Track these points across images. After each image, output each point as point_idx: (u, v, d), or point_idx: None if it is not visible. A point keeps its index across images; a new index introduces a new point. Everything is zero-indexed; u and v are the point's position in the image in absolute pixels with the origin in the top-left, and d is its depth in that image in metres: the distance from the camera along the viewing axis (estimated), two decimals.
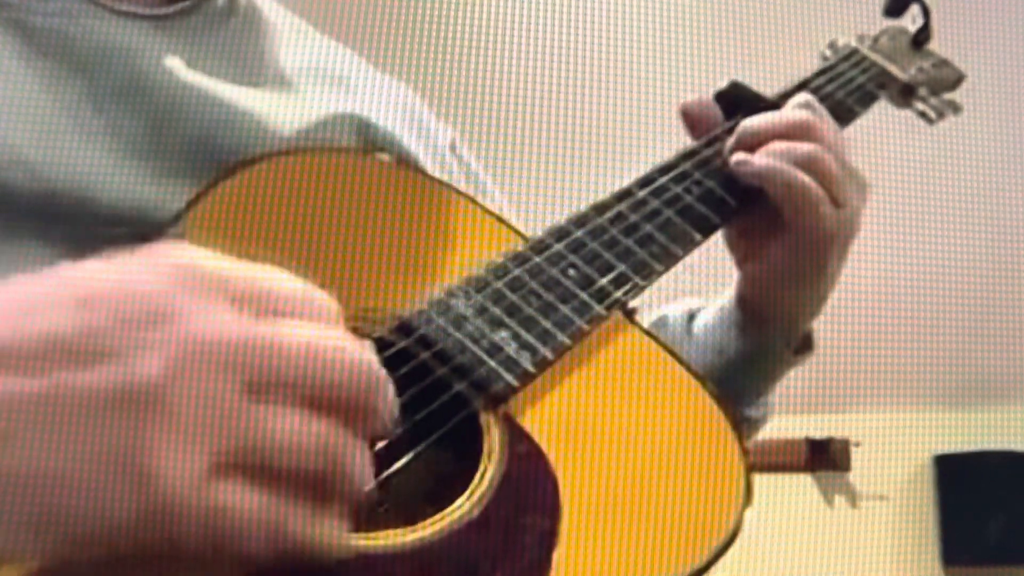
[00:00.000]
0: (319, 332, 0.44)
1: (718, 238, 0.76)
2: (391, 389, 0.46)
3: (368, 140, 0.74)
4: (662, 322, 0.83)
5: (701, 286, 0.83)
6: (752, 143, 0.73)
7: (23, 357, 0.41)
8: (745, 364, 0.77)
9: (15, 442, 0.40)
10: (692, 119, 0.78)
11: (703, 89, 0.80)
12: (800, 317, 0.77)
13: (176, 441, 0.40)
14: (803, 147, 0.72)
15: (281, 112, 0.71)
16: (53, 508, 0.39)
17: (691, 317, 0.82)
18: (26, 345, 0.41)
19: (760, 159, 0.72)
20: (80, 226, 0.62)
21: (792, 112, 0.76)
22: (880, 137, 0.89)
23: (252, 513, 0.41)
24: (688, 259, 0.70)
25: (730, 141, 0.74)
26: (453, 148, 0.83)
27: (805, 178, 0.71)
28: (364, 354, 0.45)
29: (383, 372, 0.45)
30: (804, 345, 0.79)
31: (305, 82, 0.75)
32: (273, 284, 0.45)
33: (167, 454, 0.40)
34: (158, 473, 0.40)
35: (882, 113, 0.89)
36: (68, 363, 0.41)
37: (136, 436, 0.40)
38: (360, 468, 0.44)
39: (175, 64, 0.69)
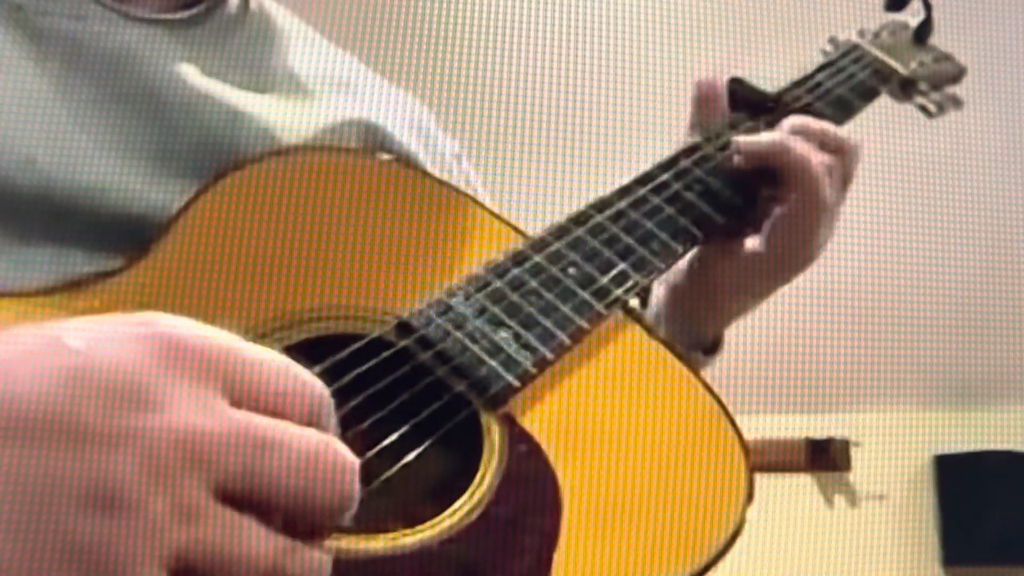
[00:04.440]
0: (310, 443, 0.42)
1: None
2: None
3: (374, 146, 0.74)
4: None
5: None
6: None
7: None
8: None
9: None
10: (702, 98, 0.78)
11: None
12: (731, 321, 0.78)
13: (142, 545, 0.38)
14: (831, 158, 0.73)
15: (290, 118, 0.71)
16: None
17: None
18: None
19: (802, 151, 0.72)
20: (89, 229, 0.62)
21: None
22: (884, 136, 0.89)
23: None
24: None
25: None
26: (458, 161, 0.83)
27: (830, 188, 0.72)
28: (354, 466, 0.43)
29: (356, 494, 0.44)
30: (714, 346, 0.79)
31: (314, 88, 0.75)
32: (267, 373, 0.43)
33: (133, 558, 0.38)
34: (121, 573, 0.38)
35: (885, 113, 0.89)
36: (35, 442, 0.39)
37: (103, 537, 0.38)
38: None
39: (186, 69, 0.69)
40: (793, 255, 0.74)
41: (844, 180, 0.73)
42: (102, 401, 0.39)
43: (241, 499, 0.41)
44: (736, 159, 0.73)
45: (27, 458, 0.38)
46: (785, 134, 0.73)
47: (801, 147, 0.72)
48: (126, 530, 0.38)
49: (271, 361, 0.43)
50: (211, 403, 0.41)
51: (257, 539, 0.41)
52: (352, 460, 0.43)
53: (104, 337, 0.41)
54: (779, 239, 0.73)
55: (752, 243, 0.74)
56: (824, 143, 0.73)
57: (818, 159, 0.72)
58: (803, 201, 0.72)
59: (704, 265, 0.75)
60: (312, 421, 0.43)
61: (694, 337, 0.78)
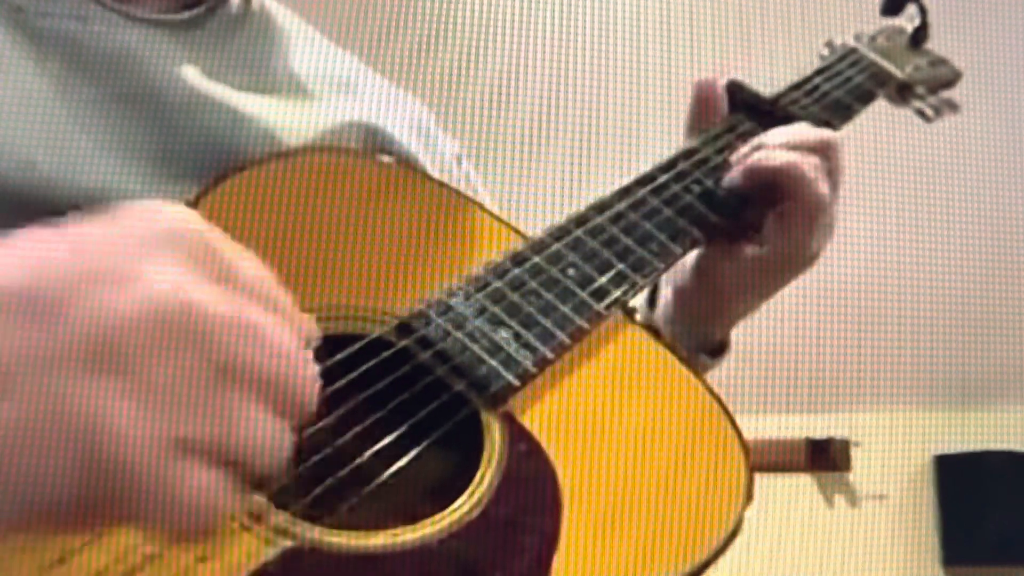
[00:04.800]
0: (292, 336, 0.44)
1: None
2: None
3: (375, 147, 0.74)
4: None
5: None
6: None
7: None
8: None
9: None
10: (700, 99, 0.78)
11: None
12: (736, 322, 0.79)
13: (137, 406, 0.39)
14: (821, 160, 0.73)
15: (291, 120, 0.71)
16: None
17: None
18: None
19: (792, 156, 0.73)
20: None
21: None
22: (882, 137, 0.89)
23: (201, 496, 0.40)
24: None
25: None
26: (458, 162, 0.83)
27: (826, 188, 0.72)
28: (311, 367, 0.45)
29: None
30: (720, 349, 0.79)
31: (316, 89, 0.75)
32: (252, 270, 0.45)
33: (126, 417, 0.39)
34: (114, 434, 0.39)
35: (884, 114, 0.89)
36: (29, 312, 0.40)
37: (95, 399, 0.39)
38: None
39: (187, 70, 0.69)
40: (793, 256, 0.74)
41: (832, 175, 0.74)
42: (104, 274, 0.41)
43: (238, 384, 0.42)
44: (733, 178, 0.73)
45: (20, 325, 0.40)
46: (774, 148, 0.73)
47: (791, 156, 0.72)
48: (120, 391, 0.39)
49: (252, 261, 0.45)
50: (190, 280, 0.42)
51: (260, 419, 0.42)
52: (312, 369, 0.45)
53: (101, 220, 0.44)
54: (779, 241, 0.73)
55: (753, 244, 0.74)
56: (808, 146, 0.74)
57: (809, 162, 0.72)
58: (800, 205, 0.72)
59: (707, 267, 0.75)
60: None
61: (700, 339, 0.78)
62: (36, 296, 0.40)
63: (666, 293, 0.81)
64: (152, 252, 0.42)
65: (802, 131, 0.75)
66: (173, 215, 0.45)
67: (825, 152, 0.73)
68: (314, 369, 0.44)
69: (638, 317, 0.75)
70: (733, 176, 0.73)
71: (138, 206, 0.45)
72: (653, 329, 0.66)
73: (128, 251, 0.42)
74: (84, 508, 0.39)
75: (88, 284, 0.41)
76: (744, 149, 0.74)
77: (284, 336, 0.44)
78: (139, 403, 0.40)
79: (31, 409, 0.39)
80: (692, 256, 0.75)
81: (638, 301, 0.68)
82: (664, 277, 0.77)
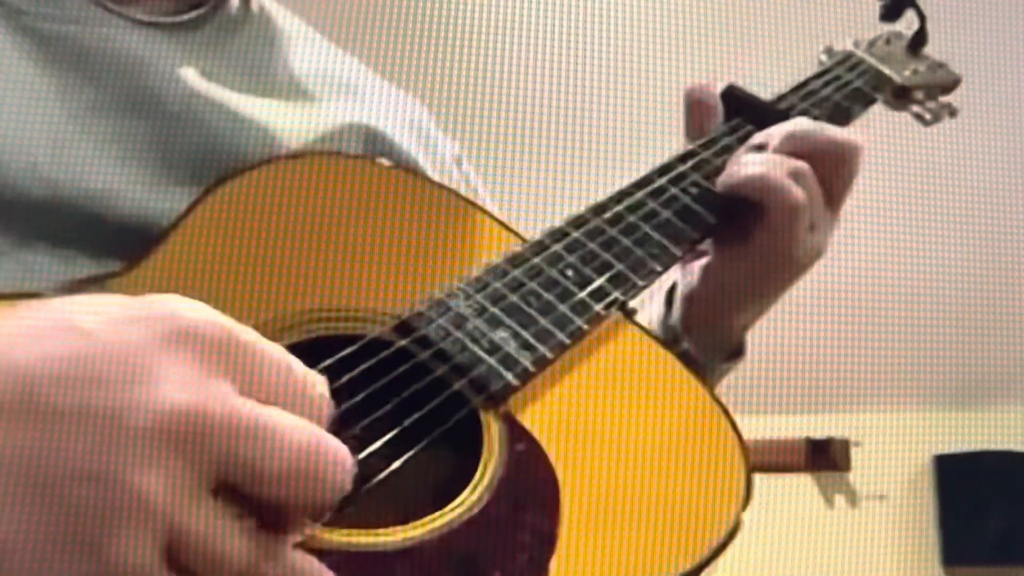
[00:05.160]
0: (305, 435, 0.42)
1: None
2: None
3: (375, 149, 0.74)
4: None
5: None
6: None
7: None
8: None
9: None
10: (694, 106, 0.78)
11: None
12: (744, 326, 0.78)
13: (134, 518, 0.39)
14: (797, 164, 0.72)
15: (290, 123, 0.71)
16: None
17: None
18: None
19: (757, 167, 0.72)
20: (94, 234, 0.62)
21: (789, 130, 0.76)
22: (880, 139, 0.89)
23: None
24: None
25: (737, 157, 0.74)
26: (457, 163, 0.83)
27: (796, 189, 0.71)
28: (343, 469, 0.43)
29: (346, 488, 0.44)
30: (736, 352, 0.79)
31: (315, 91, 0.75)
32: (268, 362, 0.43)
33: (125, 530, 0.39)
34: (115, 549, 0.39)
35: (884, 116, 0.90)
36: (37, 417, 0.39)
37: (94, 508, 0.39)
38: None
39: (187, 73, 0.69)
40: (780, 259, 0.73)
41: (806, 177, 0.72)
42: (105, 380, 0.40)
43: (232, 485, 0.41)
44: (719, 184, 0.73)
45: (26, 432, 0.39)
46: (745, 160, 0.72)
47: (754, 169, 0.71)
48: (116, 501, 0.39)
49: (274, 352, 0.44)
50: (212, 385, 0.41)
51: (241, 535, 0.41)
52: (345, 454, 0.43)
53: (113, 318, 0.42)
54: (763, 245, 0.72)
55: (748, 247, 0.74)
56: (779, 149, 0.73)
57: (775, 171, 0.71)
58: (773, 214, 0.71)
59: (708, 269, 0.75)
60: (310, 416, 0.43)
61: (716, 343, 0.77)
62: (30, 398, 0.39)
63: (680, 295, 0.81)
64: (165, 356, 0.41)
65: (774, 133, 0.74)
66: (189, 313, 0.43)
67: (797, 151, 0.72)
68: (341, 452, 0.43)
69: (651, 319, 0.75)
70: (718, 183, 0.73)
71: (149, 300, 0.44)
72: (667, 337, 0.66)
73: (139, 356, 0.41)
74: None
75: (94, 392, 0.40)
76: (740, 152, 0.74)
77: (302, 433, 0.42)
78: (134, 513, 0.39)
79: (24, 520, 0.39)
80: (702, 260, 0.75)
81: (644, 305, 0.68)
82: (680, 279, 0.77)
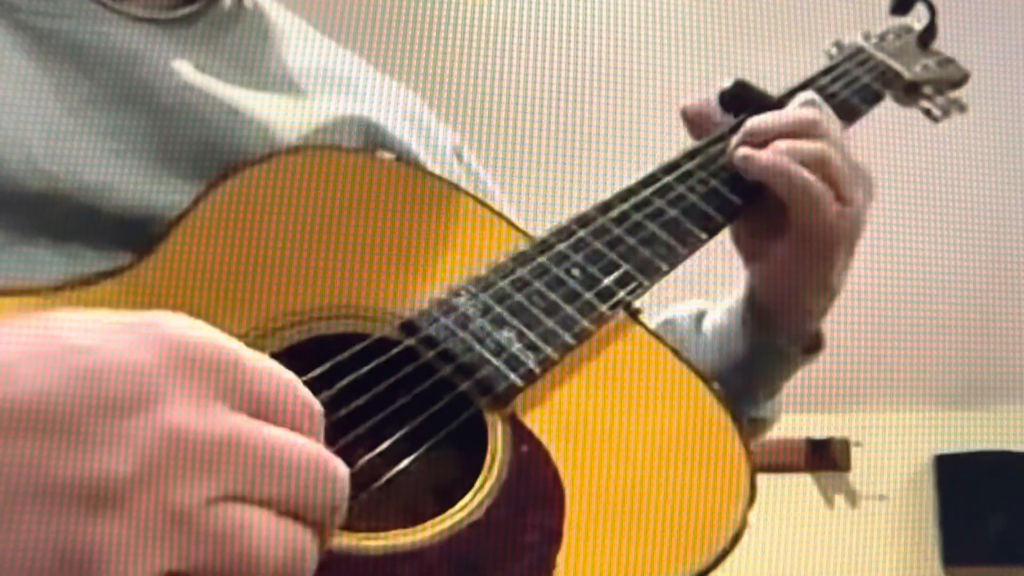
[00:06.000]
0: (303, 451, 0.42)
1: (726, 240, 0.76)
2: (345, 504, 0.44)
3: (372, 143, 0.74)
4: (670, 323, 0.83)
5: (711, 288, 0.83)
6: (757, 142, 0.73)
7: None
8: (754, 364, 0.77)
9: None
10: (693, 120, 0.78)
11: (707, 88, 0.80)
12: (809, 315, 0.77)
13: (128, 545, 0.38)
14: (808, 145, 0.72)
15: (286, 116, 0.71)
16: None
17: (700, 317, 0.82)
18: None
19: (764, 154, 0.72)
20: (88, 228, 0.62)
21: (797, 110, 0.76)
22: (881, 136, 0.89)
23: None
24: (699, 262, 0.70)
25: (735, 139, 0.74)
26: (458, 153, 0.83)
27: (809, 176, 0.71)
28: (344, 481, 0.43)
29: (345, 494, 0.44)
30: (814, 344, 0.78)
31: (310, 85, 0.75)
32: (267, 382, 0.43)
33: (122, 561, 0.38)
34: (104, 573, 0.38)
35: (886, 112, 0.89)
36: (35, 440, 0.39)
37: (91, 536, 0.38)
38: None
39: (182, 68, 0.69)
40: (820, 245, 0.72)
41: (848, 184, 0.72)
42: (104, 403, 0.39)
43: (235, 507, 0.40)
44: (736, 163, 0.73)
45: (23, 456, 0.38)
46: (781, 158, 0.72)
47: (795, 172, 0.71)
48: (116, 529, 0.38)
49: (272, 371, 0.43)
50: (210, 407, 0.41)
51: (250, 553, 0.40)
52: (343, 471, 0.43)
53: (109, 337, 0.41)
54: (801, 237, 0.72)
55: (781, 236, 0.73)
56: (799, 132, 0.73)
57: (814, 180, 0.71)
58: (803, 221, 0.71)
59: (766, 262, 0.75)
60: (306, 433, 0.43)
61: (793, 336, 0.77)
62: (30, 422, 0.39)
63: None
64: (171, 378, 0.41)
65: (777, 117, 0.74)
66: (191, 333, 0.43)
67: (803, 134, 0.72)
68: (340, 469, 0.43)
69: (644, 319, 0.75)
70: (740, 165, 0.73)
71: (148, 319, 0.43)
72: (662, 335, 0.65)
73: (145, 378, 0.40)
74: None
75: (93, 415, 0.39)
76: (733, 141, 0.74)
77: (302, 450, 0.42)
78: (133, 542, 0.39)
79: (15, 542, 0.38)
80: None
81: (644, 302, 0.68)
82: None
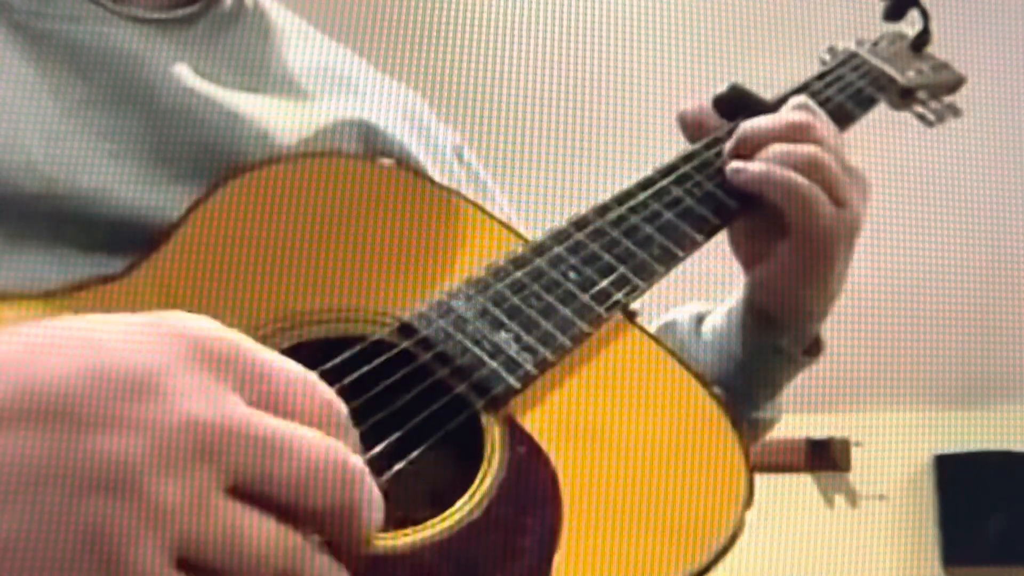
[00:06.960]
0: (317, 448, 0.43)
1: (725, 242, 0.76)
2: (379, 505, 0.45)
3: (372, 146, 0.74)
4: (670, 326, 0.83)
5: (710, 290, 0.83)
6: (750, 146, 0.73)
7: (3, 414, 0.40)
8: (755, 366, 0.77)
9: None
10: (690, 126, 0.78)
11: (703, 92, 0.80)
12: (808, 318, 0.77)
13: (147, 528, 0.39)
14: (801, 148, 0.72)
15: (285, 119, 0.71)
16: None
17: (699, 320, 0.82)
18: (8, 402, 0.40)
19: (755, 165, 0.72)
20: (89, 231, 0.62)
21: (789, 114, 0.76)
22: (879, 139, 0.89)
23: None
24: (698, 263, 0.70)
25: (728, 145, 0.74)
26: (459, 154, 0.83)
27: (802, 180, 0.71)
28: (361, 473, 0.44)
29: (375, 493, 0.45)
30: (814, 346, 0.79)
31: (310, 86, 0.75)
32: (282, 377, 0.44)
33: (136, 540, 0.39)
34: (126, 559, 0.39)
35: (886, 113, 0.89)
36: (50, 426, 0.40)
37: (108, 518, 0.39)
38: None
39: (181, 69, 0.68)
40: (818, 247, 0.72)
41: (842, 187, 0.72)
42: (119, 392, 0.41)
43: (248, 496, 0.41)
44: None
45: (40, 440, 0.40)
46: (772, 165, 0.72)
47: (787, 178, 0.71)
48: (130, 511, 0.39)
49: (287, 366, 0.45)
50: (224, 398, 0.42)
51: (264, 538, 0.41)
52: (361, 468, 0.44)
53: (129, 333, 0.43)
54: (799, 240, 0.72)
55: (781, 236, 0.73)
56: (791, 136, 0.73)
57: (807, 184, 0.71)
58: (799, 225, 0.71)
59: (765, 264, 0.75)
60: (325, 430, 0.44)
61: (793, 339, 0.77)
62: (50, 409, 0.40)
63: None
64: (183, 372, 0.42)
65: (769, 121, 0.74)
66: (202, 330, 0.44)
67: (796, 138, 0.72)
68: (351, 462, 0.44)
69: (641, 321, 0.75)
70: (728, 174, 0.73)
71: (158, 317, 0.44)
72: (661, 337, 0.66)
73: (158, 372, 0.42)
74: None
75: (111, 404, 0.41)
76: (727, 147, 0.74)
77: (312, 441, 0.43)
78: (147, 523, 0.39)
79: (35, 522, 0.39)
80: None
81: (641, 304, 0.68)
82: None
